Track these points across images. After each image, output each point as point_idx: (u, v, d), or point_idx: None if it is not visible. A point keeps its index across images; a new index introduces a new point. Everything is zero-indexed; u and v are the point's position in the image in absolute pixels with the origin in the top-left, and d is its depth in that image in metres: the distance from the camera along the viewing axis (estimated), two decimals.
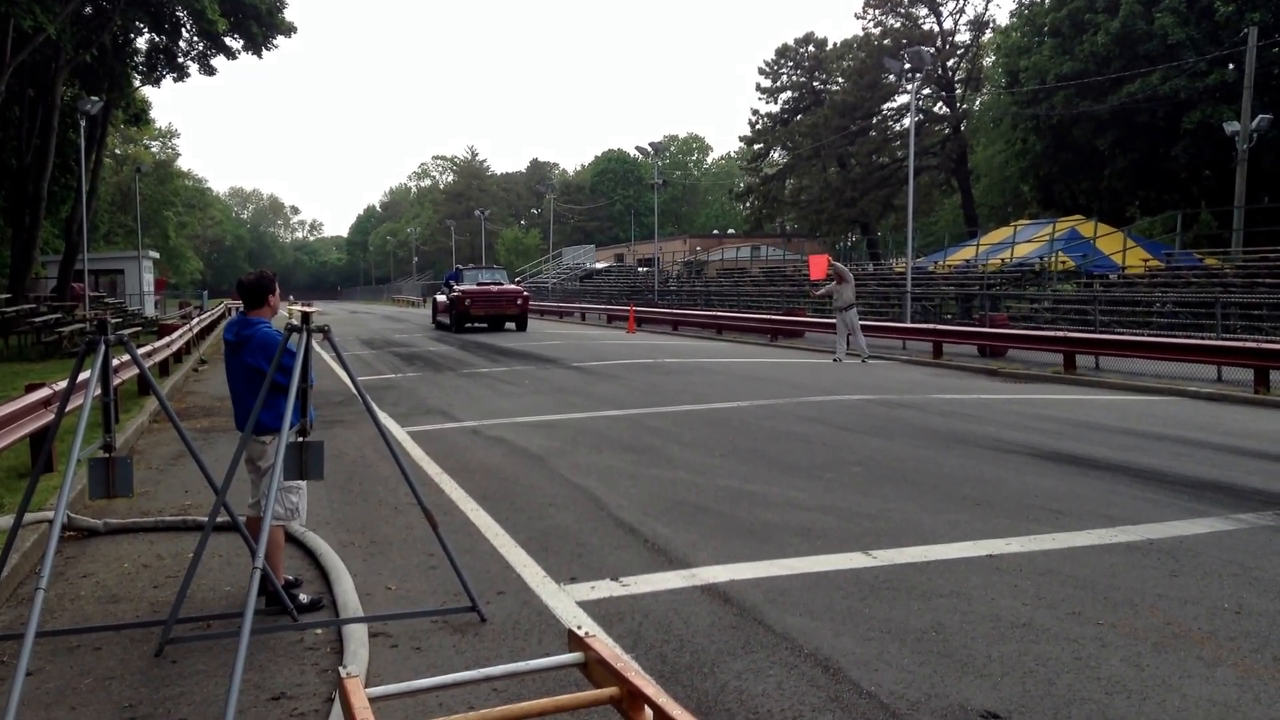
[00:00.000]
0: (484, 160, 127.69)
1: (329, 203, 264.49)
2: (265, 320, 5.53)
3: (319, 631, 5.09)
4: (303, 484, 5.46)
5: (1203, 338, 18.68)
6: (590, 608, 5.32)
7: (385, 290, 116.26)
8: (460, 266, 39.94)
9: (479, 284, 33.17)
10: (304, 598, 5.39)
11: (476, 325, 32.98)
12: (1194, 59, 33.84)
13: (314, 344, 5.01)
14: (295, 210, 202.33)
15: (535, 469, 9.12)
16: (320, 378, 5.93)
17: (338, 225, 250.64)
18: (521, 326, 32.70)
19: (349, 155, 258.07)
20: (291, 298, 7.09)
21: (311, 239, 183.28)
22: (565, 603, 5.41)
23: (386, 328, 38.37)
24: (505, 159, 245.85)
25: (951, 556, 6.17)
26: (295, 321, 4.88)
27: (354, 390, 5.41)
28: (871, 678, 4.37)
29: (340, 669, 3.93)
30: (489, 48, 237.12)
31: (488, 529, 6.98)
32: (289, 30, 33.16)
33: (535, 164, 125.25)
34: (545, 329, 35.11)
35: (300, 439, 5.01)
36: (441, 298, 35.55)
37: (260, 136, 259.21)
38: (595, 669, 3.94)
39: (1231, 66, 33.44)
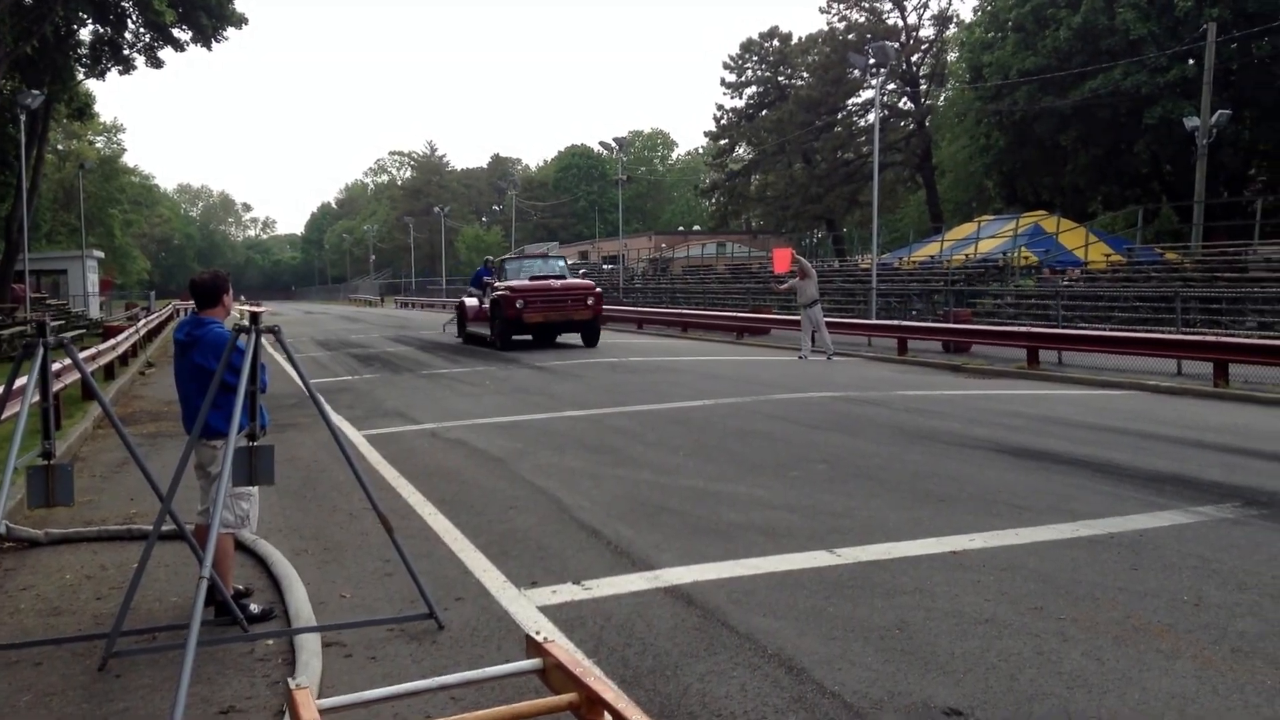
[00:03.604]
0: (443, 155, 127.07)
1: (282, 200, 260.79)
2: (218, 320, 5.43)
3: (270, 642, 4.97)
4: (254, 490, 5.34)
5: (1163, 332, 18.84)
6: (551, 612, 5.24)
7: (342, 290, 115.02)
8: (491, 258, 29.41)
9: (532, 278, 24.10)
10: (254, 607, 5.27)
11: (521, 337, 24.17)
12: (1155, 54, 34.18)
13: (267, 346, 4.90)
14: (247, 208, 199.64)
15: (496, 471, 9.02)
16: (273, 380, 5.80)
17: (292, 223, 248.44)
18: (592, 339, 23.88)
19: (303, 151, 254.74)
20: (243, 298, 6.93)
21: (264, 237, 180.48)
22: (526, 608, 5.33)
23: (343, 328, 38.03)
24: (465, 154, 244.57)
25: (915, 553, 6.15)
26: (245, 322, 4.77)
27: (306, 392, 5.29)
28: (835, 677, 4.33)
29: (289, 680, 3.82)
30: (448, 40, 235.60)
31: (446, 533, 6.87)
32: (240, 21, 32.75)
33: (497, 159, 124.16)
34: None
35: (250, 443, 4.89)
36: (472, 301, 26.90)
37: (210, 131, 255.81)
38: (554, 675, 3.87)
39: (1191, 62, 33.79)
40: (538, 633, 4.17)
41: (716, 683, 4.31)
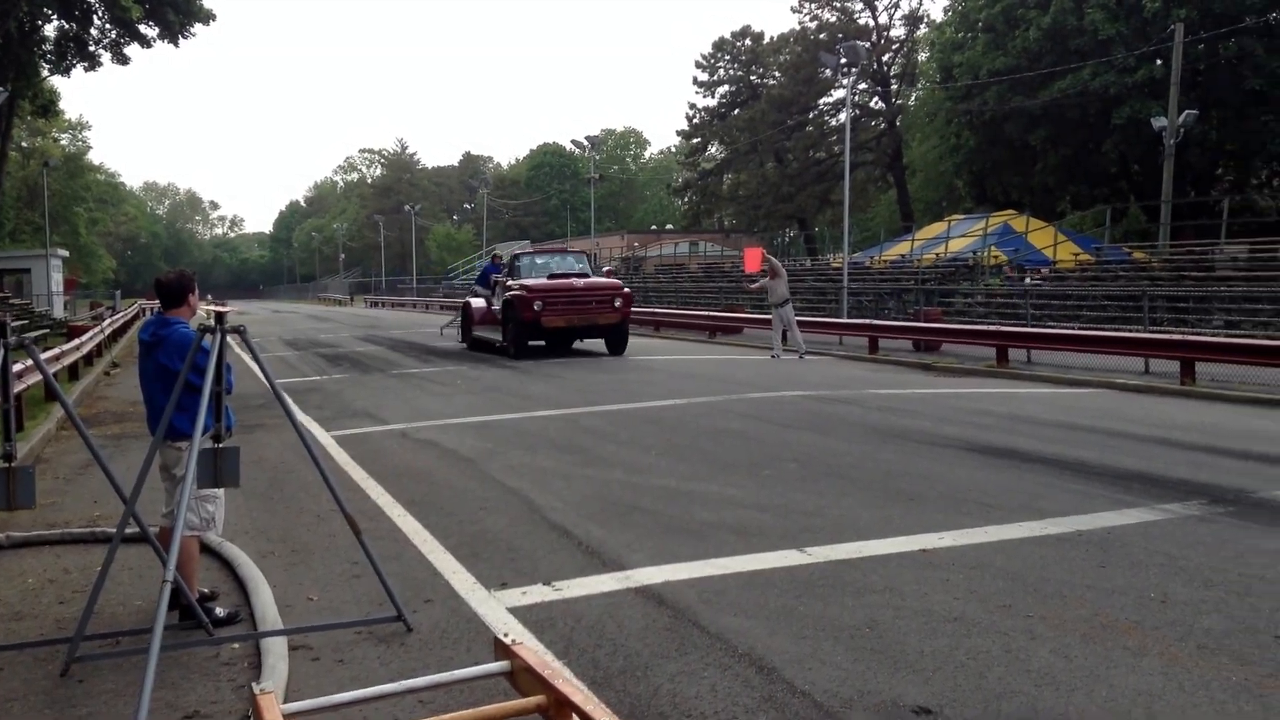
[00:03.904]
0: (414, 153, 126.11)
1: (250, 198, 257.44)
2: (183, 320, 5.38)
3: (236, 646, 4.91)
4: (219, 492, 5.29)
5: (1131, 331, 19.01)
6: (521, 614, 5.22)
7: (310, 289, 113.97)
8: (500, 254, 26.99)
9: (551, 276, 21.16)
10: (220, 611, 5.21)
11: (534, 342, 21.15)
12: (1123, 55, 34.48)
13: (234, 346, 4.85)
14: (214, 205, 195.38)
15: (466, 472, 8.97)
16: (241, 380, 5.75)
17: (260, 221, 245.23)
18: (618, 346, 21.05)
19: (271, 148, 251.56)
20: (210, 297, 6.89)
21: (232, 236, 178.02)
22: (495, 609, 5.30)
23: (311, 328, 37.71)
24: (436, 152, 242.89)
25: (885, 552, 6.17)
26: (210, 322, 4.74)
27: (272, 392, 5.24)
28: (805, 676, 4.33)
29: (253, 685, 3.78)
30: (419, 36, 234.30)
31: (415, 535, 6.82)
32: (207, 18, 32.35)
33: (468, 157, 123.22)
34: None
35: (215, 444, 4.85)
36: (479, 302, 24.16)
37: (177, 129, 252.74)
38: (522, 677, 3.85)
39: (1159, 62, 34.12)
40: (506, 635, 4.15)
41: (687, 683, 4.30)
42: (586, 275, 21.64)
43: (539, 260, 22.72)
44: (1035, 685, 4.21)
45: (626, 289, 21.26)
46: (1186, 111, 30.50)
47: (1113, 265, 29.46)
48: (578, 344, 22.08)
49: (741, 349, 23.63)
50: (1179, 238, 31.34)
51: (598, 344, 21.62)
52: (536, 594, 5.52)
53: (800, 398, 13.60)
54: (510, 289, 20.88)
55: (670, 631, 4.91)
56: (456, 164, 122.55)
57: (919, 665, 4.44)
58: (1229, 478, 8.25)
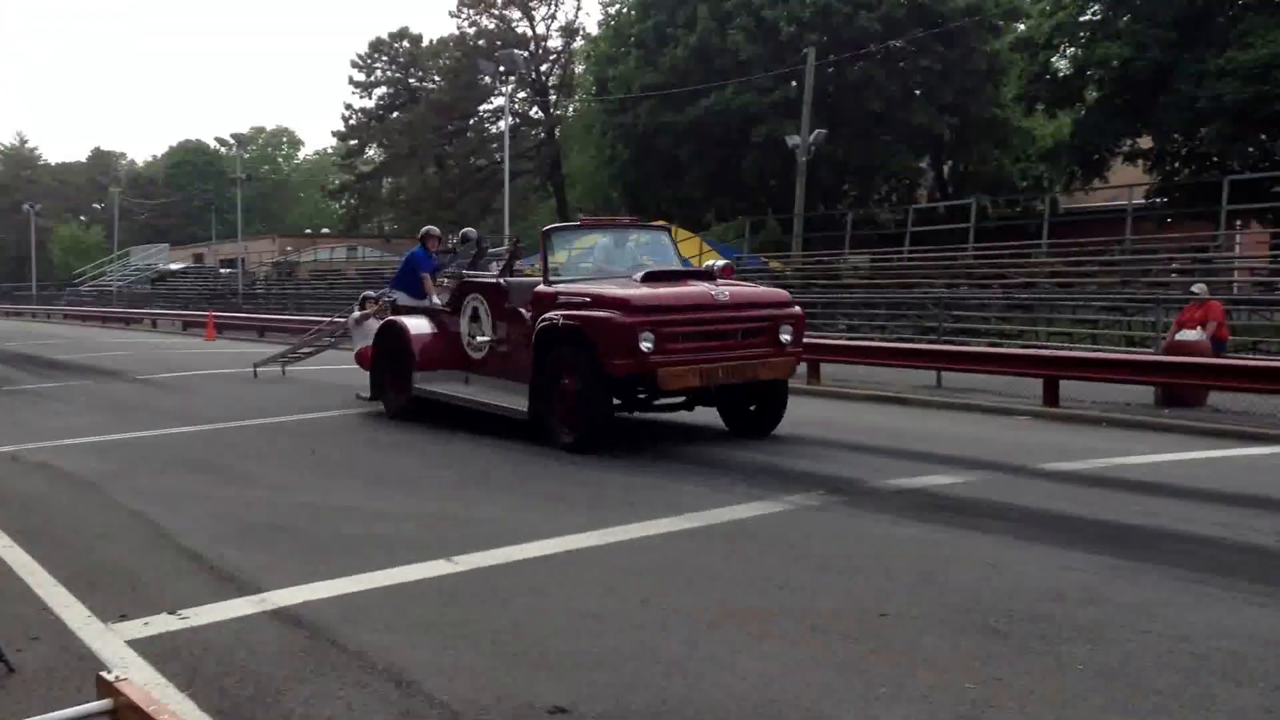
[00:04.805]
0: (35, 148, 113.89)
1: None
2: None
3: None
4: None
5: None
6: (141, 646, 4.83)
7: None
8: (433, 230, 13.72)
9: (649, 276, 10.20)
10: None
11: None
12: (761, 75, 36.97)
13: None
14: None
15: (86, 496, 8.22)
16: None
17: None
18: (771, 419, 10.87)
19: None
20: None
21: None
22: (113, 643, 4.88)
23: None
24: (61, 147, 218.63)
25: (534, 555, 6.26)
26: None
27: None
28: (445, 686, 4.30)
29: None
30: (43, 18, 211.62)
31: (23, 567, 6.15)
32: None
33: (98, 153, 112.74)
34: (107, 338, 31.95)
35: None
36: (419, 323, 12.26)
37: None
38: (126, 716, 3.58)
39: (794, 84, 36.84)
40: (110, 671, 3.85)
41: (321, 705, 4.15)
42: (711, 275, 10.92)
43: (588, 242, 11.69)
44: (665, 676, 4.39)
45: (796, 306, 11.00)
46: (817, 131, 32.92)
47: (752, 274, 31.65)
48: None
49: None
50: (810, 248, 34.08)
51: (245, 356, 20.08)
52: (160, 624, 5.13)
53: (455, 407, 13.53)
54: (562, 299, 10.03)
55: (306, 653, 4.73)
56: (85, 160, 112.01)
57: (558, 665, 4.53)
58: (845, 469, 8.99)
